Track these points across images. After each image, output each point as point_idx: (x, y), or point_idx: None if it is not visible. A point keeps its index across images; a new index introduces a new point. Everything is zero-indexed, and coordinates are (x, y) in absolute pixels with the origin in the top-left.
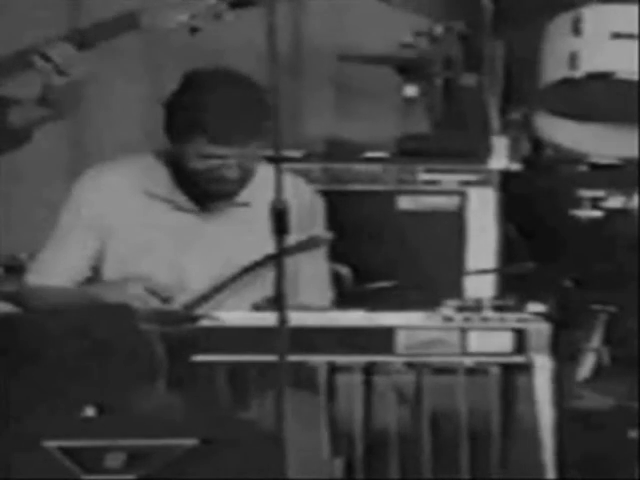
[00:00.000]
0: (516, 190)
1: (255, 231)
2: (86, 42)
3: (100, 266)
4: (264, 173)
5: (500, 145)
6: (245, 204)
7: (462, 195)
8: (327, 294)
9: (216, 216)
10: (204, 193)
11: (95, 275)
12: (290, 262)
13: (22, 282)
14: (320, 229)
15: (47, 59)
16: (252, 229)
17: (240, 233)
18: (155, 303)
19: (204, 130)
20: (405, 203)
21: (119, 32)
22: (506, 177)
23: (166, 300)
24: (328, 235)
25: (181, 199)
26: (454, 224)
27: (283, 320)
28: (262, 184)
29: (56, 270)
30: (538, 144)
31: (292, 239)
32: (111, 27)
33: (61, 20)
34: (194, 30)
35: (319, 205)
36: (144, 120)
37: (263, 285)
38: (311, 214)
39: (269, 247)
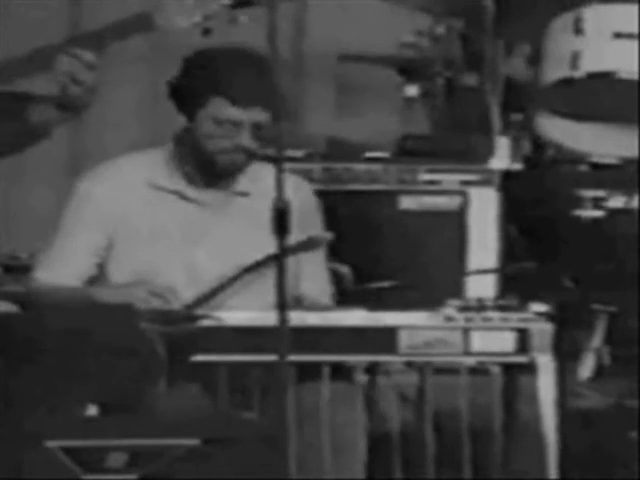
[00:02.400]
0: (517, 190)
1: (254, 222)
2: (100, 44)
3: (105, 263)
4: (261, 166)
5: (501, 145)
6: (244, 193)
7: (463, 195)
8: (327, 290)
9: (218, 205)
10: (213, 166)
11: (100, 272)
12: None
13: (29, 280)
14: (319, 228)
15: (68, 61)
16: (252, 220)
17: (241, 223)
18: (158, 304)
19: (224, 90)
20: (406, 203)
21: (133, 33)
22: (507, 177)
23: (170, 302)
24: (328, 235)
25: (183, 187)
26: (455, 224)
27: (283, 320)
28: (261, 175)
29: (65, 267)
30: (539, 144)
31: (292, 238)
32: (125, 28)
33: (62, 20)
34: (207, 32)
35: (316, 205)
36: (145, 120)
37: (264, 285)
38: (311, 213)
39: (268, 239)
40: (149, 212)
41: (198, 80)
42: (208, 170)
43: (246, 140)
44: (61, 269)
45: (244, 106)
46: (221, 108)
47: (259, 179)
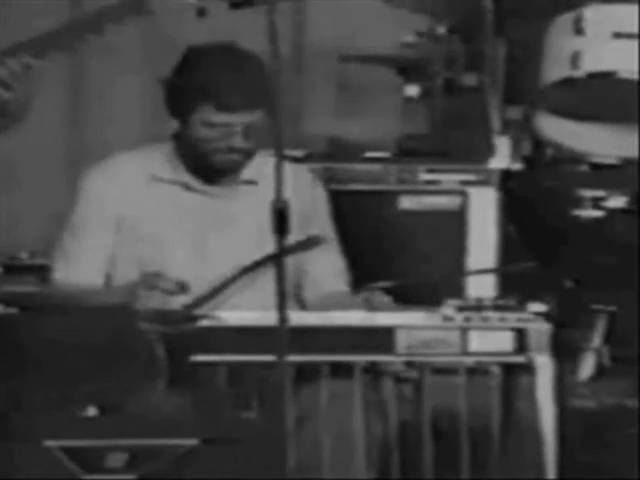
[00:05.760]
0: (517, 190)
1: (262, 209)
2: (91, 29)
3: (114, 256)
4: (268, 155)
5: (501, 145)
6: (252, 182)
7: (463, 195)
8: (338, 266)
9: (225, 195)
10: (211, 166)
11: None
12: (293, 260)
13: (47, 282)
14: (324, 221)
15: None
16: (259, 206)
17: (249, 211)
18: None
19: (210, 97)
20: (406, 203)
21: (126, 15)
22: (507, 177)
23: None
24: (329, 233)
25: (188, 179)
26: (455, 224)
27: (283, 320)
28: (268, 164)
29: (82, 267)
30: (539, 144)
31: (294, 235)
32: (118, 10)
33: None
34: (201, 12)
35: (321, 196)
36: (143, 116)
37: (264, 284)
38: (313, 206)
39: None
40: (154, 204)
41: (187, 86)
42: (206, 170)
43: (238, 142)
44: (79, 269)
45: (232, 111)
46: (210, 114)
47: (266, 168)
